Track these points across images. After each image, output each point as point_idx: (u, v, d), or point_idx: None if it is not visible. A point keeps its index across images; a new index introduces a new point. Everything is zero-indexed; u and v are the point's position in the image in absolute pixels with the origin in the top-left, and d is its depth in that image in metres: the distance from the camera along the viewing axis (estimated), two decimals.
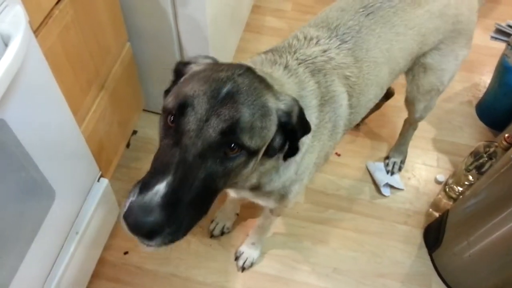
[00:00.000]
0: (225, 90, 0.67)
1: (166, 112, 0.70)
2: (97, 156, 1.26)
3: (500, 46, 1.82)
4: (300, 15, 2.35)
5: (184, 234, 0.67)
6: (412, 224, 1.62)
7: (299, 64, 0.95)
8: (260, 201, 1.09)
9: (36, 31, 0.92)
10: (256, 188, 0.95)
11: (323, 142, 1.01)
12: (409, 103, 1.42)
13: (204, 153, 0.65)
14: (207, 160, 0.66)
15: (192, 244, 1.52)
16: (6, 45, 0.78)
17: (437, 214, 1.60)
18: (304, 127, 0.80)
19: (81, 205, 1.22)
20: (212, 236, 1.53)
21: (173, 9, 1.39)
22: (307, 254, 1.52)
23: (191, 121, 0.65)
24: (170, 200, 0.62)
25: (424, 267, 1.51)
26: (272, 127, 0.74)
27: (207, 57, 0.82)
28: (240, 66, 0.75)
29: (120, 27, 1.37)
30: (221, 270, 1.47)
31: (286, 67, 0.93)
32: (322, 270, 1.49)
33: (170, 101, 0.70)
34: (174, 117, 0.68)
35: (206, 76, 0.70)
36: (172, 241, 0.65)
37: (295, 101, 0.78)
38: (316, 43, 1.00)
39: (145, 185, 0.63)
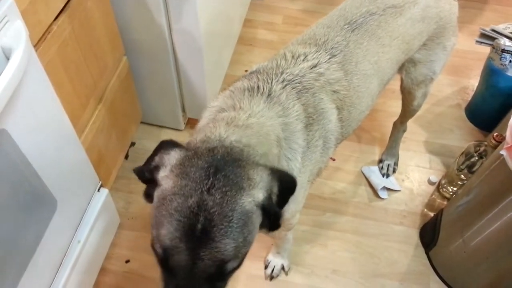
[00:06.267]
0: (199, 226, 0.64)
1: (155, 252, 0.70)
2: (96, 166, 1.29)
3: (485, 50, 1.87)
4: (290, 28, 2.41)
5: None
6: (408, 225, 1.64)
7: (284, 86, 0.93)
8: None
9: (35, 46, 0.95)
10: None
11: (315, 160, 0.99)
12: (407, 92, 1.42)
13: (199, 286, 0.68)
14: None
15: None
16: (7, 58, 0.81)
17: (432, 214, 1.63)
18: (287, 195, 0.75)
19: (83, 214, 1.25)
20: None
21: (167, 23, 1.43)
22: (305, 256, 1.54)
23: (180, 269, 0.67)
24: None
25: (421, 266, 1.53)
26: (257, 222, 0.71)
27: (169, 144, 0.75)
28: (211, 159, 0.69)
29: (117, 42, 1.41)
30: None
31: (269, 95, 0.90)
32: (321, 272, 1.50)
33: (155, 244, 0.68)
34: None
35: (176, 211, 0.66)
36: None
37: (273, 173, 0.72)
38: (304, 59, 1.00)
39: None
